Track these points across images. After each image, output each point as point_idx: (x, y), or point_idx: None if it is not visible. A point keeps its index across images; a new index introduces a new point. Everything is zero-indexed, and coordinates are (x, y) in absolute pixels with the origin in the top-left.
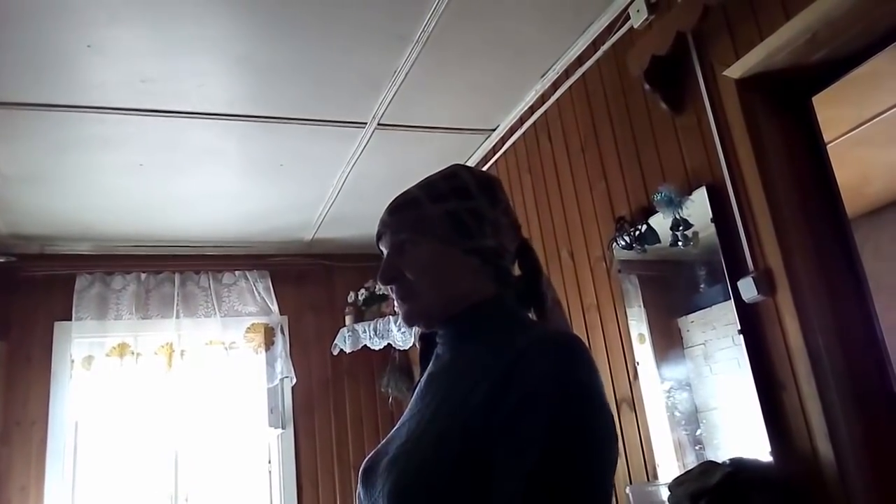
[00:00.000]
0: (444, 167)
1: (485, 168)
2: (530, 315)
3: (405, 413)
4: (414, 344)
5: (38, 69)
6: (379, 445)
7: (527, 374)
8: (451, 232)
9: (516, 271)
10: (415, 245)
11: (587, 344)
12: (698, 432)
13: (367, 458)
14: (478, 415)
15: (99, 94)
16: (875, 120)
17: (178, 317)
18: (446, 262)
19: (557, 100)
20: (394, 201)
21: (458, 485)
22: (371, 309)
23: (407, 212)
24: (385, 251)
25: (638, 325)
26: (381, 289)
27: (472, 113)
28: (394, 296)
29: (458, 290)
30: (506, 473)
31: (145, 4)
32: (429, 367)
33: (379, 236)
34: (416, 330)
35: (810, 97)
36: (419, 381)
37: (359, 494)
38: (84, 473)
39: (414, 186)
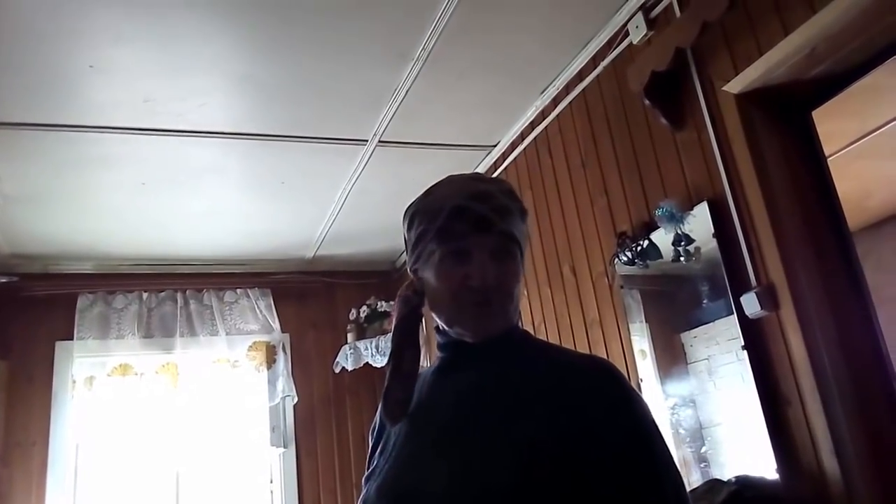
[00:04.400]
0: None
1: None
2: None
3: (414, 436)
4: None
5: (41, 89)
6: (396, 470)
7: (606, 396)
8: (523, 250)
9: None
10: (515, 258)
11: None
12: (703, 449)
13: (389, 484)
14: (561, 432)
15: (101, 113)
16: (875, 133)
17: (179, 336)
18: (521, 279)
19: (558, 116)
20: (492, 204)
21: (546, 499)
22: (373, 326)
23: (513, 220)
24: (476, 250)
25: (640, 341)
26: (382, 302)
27: (472, 129)
28: (482, 302)
29: (518, 308)
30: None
31: (147, 25)
32: (433, 387)
33: (470, 231)
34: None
35: (810, 111)
36: (416, 401)
37: None
38: (85, 494)
39: (497, 192)
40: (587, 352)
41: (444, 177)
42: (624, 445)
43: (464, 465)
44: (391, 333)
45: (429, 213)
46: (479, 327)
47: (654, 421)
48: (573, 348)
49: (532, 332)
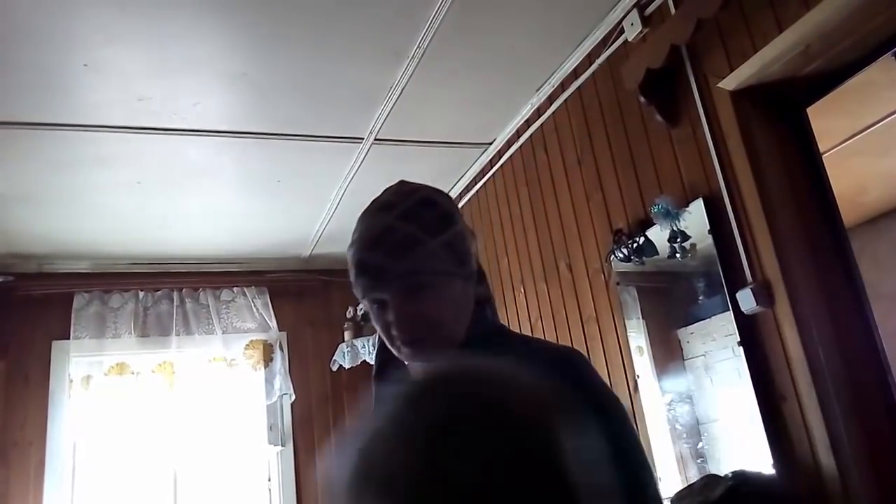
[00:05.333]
0: (444, 183)
1: (482, 182)
2: None
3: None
4: None
5: (35, 89)
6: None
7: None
8: (451, 263)
9: None
10: (434, 285)
11: (587, 356)
12: (700, 445)
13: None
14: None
15: (96, 113)
16: (870, 130)
17: (176, 334)
18: (457, 295)
19: (553, 113)
20: (387, 246)
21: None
22: (370, 324)
23: (411, 253)
24: (388, 299)
25: (637, 337)
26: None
27: (468, 127)
28: (411, 342)
29: (466, 318)
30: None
31: (141, 24)
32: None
33: (374, 285)
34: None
35: (805, 108)
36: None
37: None
38: (83, 493)
39: (397, 222)
40: (584, 347)
41: (440, 174)
42: (596, 433)
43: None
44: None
45: (348, 264)
46: (417, 361)
47: (618, 408)
48: (555, 341)
49: (529, 328)
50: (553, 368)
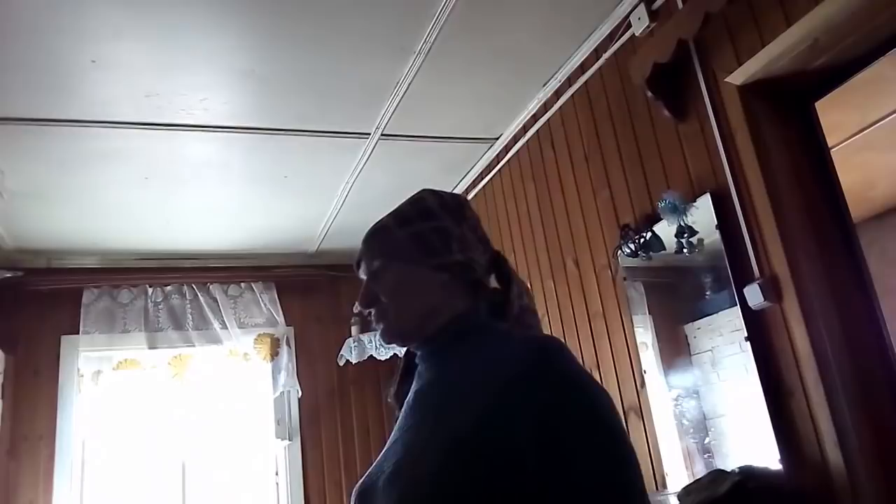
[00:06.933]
0: (451, 177)
1: (488, 177)
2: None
3: (394, 433)
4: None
5: (43, 85)
6: (370, 468)
7: (532, 383)
8: (419, 252)
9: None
10: (386, 269)
11: (592, 351)
12: (707, 440)
13: (359, 482)
14: (487, 426)
15: (103, 109)
16: (879, 124)
17: (184, 329)
18: (416, 281)
19: (560, 108)
20: (368, 231)
21: (468, 494)
22: None
23: (378, 239)
24: (363, 277)
25: (644, 333)
26: (361, 312)
27: (475, 122)
28: (372, 319)
29: (430, 307)
30: (571, 479)
31: (149, 20)
32: (413, 386)
33: (357, 265)
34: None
35: (813, 102)
36: (406, 399)
37: None
38: (92, 487)
39: (386, 215)
40: (591, 343)
41: (446, 170)
42: (552, 430)
43: (399, 465)
44: None
45: None
46: (381, 336)
47: (592, 400)
48: (545, 332)
49: None
50: (520, 370)
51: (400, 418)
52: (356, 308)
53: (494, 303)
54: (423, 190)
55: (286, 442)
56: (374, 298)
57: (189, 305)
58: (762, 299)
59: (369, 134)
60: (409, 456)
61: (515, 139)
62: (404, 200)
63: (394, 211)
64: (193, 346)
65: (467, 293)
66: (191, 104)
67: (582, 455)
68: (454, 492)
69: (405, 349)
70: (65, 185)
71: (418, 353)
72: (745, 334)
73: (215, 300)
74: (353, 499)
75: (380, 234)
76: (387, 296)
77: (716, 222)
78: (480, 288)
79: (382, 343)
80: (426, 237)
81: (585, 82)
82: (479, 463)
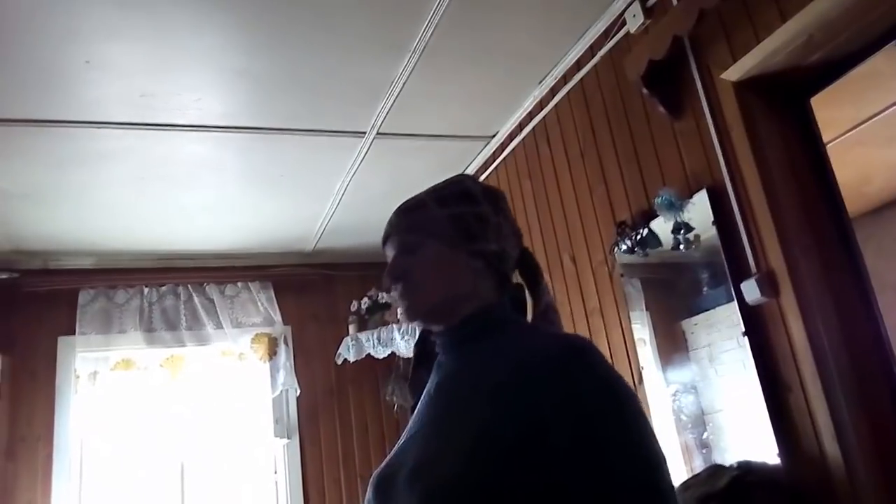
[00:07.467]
0: (447, 175)
1: (484, 175)
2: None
3: (412, 423)
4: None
5: (38, 86)
6: (389, 457)
7: (565, 382)
8: (456, 234)
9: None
10: (421, 245)
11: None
12: (705, 435)
13: (378, 470)
14: (517, 423)
15: (98, 109)
16: (874, 119)
17: (181, 329)
18: (451, 262)
19: (556, 105)
20: (402, 204)
21: (496, 490)
22: (374, 317)
23: (414, 214)
24: (391, 252)
25: (641, 329)
26: (383, 294)
27: (470, 120)
28: (397, 294)
29: (461, 290)
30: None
31: (143, 20)
32: (433, 377)
33: (386, 238)
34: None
35: (809, 98)
36: (426, 389)
37: None
38: (91, 487)
39: (421, 192)
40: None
41: (442, 168)
42: (585, 430)
43: (422, 461)
44: None
45: None
46: (404, 312)
47: (623, 401)
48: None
49: None
50: (549, 371)
51: (419, 409)
52: (353, 307)
53: (517, 298)
54: (463, 175)
55: (285, 440)
56: (402, 273)
57: (186, 305)
58: (759, 295)
59: (365, 132)
60: (433, 451)
61: (511, 137)
62: (440, 181)
63: (430, 189)
64: (189, 345)
65: (496, 285)
66: (185, 104)
67: (614, 455)
68: (481, 488)
69: (419, 339)
70: (60, 185)
71: (439, 341)
72: (743, 330)
73: (212, 300)
74: (370, 486)
75: (418, 211)
76: (419, 273)
77: (712, 218)
78: (508, 281)
79: (404, 320)
80: (467, 220)
81: (581, 79)
82: (508, 459)
